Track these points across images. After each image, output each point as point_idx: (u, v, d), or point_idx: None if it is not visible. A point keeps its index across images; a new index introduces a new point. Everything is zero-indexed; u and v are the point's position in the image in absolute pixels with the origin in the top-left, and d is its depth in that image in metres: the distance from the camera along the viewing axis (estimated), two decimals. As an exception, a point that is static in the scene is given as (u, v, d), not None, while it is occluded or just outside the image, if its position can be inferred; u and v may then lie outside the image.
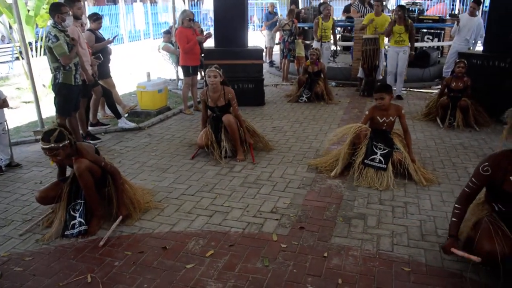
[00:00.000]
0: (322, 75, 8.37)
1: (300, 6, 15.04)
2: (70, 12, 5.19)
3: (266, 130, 6.34)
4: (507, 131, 2.78)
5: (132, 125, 6.47)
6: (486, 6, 13.73)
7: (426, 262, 3.10)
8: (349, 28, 13.03)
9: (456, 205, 2.99)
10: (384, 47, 9.23)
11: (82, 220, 3.51)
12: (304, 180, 4.57)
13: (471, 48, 9.13)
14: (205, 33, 9.35)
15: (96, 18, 6.75)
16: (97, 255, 3.21)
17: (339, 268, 3.04)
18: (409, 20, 8.39)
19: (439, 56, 11.68)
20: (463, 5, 18.70)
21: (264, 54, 11.26)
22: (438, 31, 11.80)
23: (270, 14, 13.52)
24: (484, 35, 7.94)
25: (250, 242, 3.36)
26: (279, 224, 3.63)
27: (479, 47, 9.18)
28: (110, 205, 3.72)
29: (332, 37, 9.75)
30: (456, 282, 2.89)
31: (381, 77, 8.96)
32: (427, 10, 17.40)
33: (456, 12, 18.53)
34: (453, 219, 2.96)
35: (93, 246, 3.33)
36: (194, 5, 26.28)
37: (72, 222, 3.50)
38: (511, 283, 2.80)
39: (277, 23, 11.59)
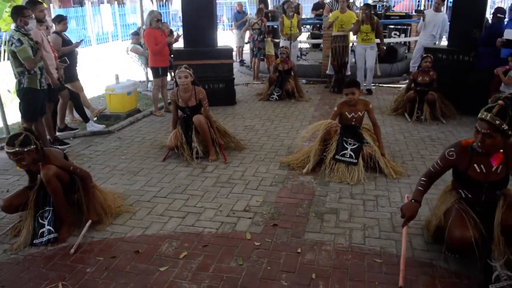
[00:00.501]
0: (292, 73, 8.43)
1: (270, 5, 15.06)
2: (33, 15, 5.07)
3: (238, 129, 6.35)
4: None
5: (101, 127, 6.37)
6: (450, 2, 14.07)
7: (397, 253, 3.16)
8: (318, 25, 13.14)
9: (422, 178, 3.12)
10: (352, 44, 9.36)
11: (51, 228, 3.44)
12: (276, 177, 4.59)
13: (436, 43, 9.34)
14: (174, 34, 9.30)
15: (60, 19, 6.63)
16: (68, 263, 3.15)
17: (313, 263, 3.07)
18: (375, 18, 8.53)
19: (406, 51, 11.91)
20: (428, 1, 19.12)
21: (234, 53, 11.27)
22: (405, 27, 12.02)
23: (239, 14, 13.53)
24: (448, 30, 8.14)
25: (223, 242, 3.37)
26: (252, 223, 3.65)
27: (445, 42, 9.40)
28: (80, 211, 3.66)
29: (298, 35, 9.83)
30: (427, 271, 2.97)
31: (349, 73, 9.08)
32: (394, 6, 17.73)
33: (422, 8, 18.94)
34: (419, 187, 3.08)
35: (63, 254, 3.26)
36: (163, 6, 26.04)
37: (40, 230, 3.42)
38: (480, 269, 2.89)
39: (247, 23, 11.60)
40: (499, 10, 7.35)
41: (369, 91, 8.78)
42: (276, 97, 8.30)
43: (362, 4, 13.17)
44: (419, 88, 6.70)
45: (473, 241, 2.80)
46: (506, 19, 7.14)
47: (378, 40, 8.62)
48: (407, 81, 9.37)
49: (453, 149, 2.93)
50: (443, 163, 2.99)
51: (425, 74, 6.69)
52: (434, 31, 9.15)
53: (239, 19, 13.18)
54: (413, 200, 3.01)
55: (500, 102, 2.64)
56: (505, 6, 14.44)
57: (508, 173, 2.89)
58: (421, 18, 9.45)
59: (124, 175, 4.75)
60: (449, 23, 8.09)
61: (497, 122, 2.61)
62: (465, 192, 3.04)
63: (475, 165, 2.87)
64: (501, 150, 2.80)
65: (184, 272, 3.00)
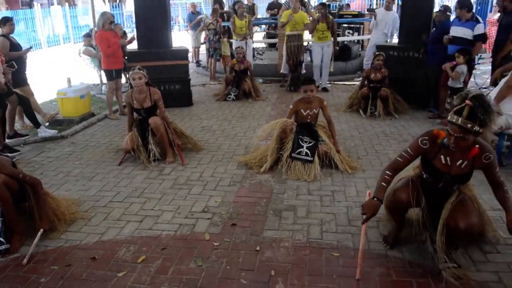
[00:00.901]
0: (248, 73, 8.47)
1: (225, 6, 15.02)
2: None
3: (195, 130, 6.32)
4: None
5: (52, 132, 6.18)
6: (400, 0, 14.49)
7: (353, 246, 3.25)
8: (273, 25, 13.24)
9: (386, 171, 2.99)
10: (307, 43, 9.48)
11: (2, 239, 3.31)
12: (234, 177, 4.61)
13: (388, 40, 9.62)
14: (128, 36, 9.13)
15: (6, 21, 6.37)
16: (21, 273, 3.05)
17: (272, 260, 3.11)
18: (331, 17, 8.71)
19: (360, 49, 12.19)
20: (380, -1, 19.66)
21: (190, 54, 11.19)
22: (358, 26, 12.31)
23: (193, 15, 13.43)
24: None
25: (182, 244, 3.35)
26: (211, 223, 3.65)
27: (397, 40, 9.69)
28: (31, 220, 3.54)
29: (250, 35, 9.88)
30: (382, 262, 3.07)
31: (304, 72, 9.20)
32: (348, 5, 18.07)
33: (374, 7, 19.45)
34: (382, 183, 2.94)
35: (15, 265, 3.15)
36: (116, 7, 25.54)
37: (-9, 242, 3.30)
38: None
39: (202, 23, 11.56)
40: (446, 9, 7.65)
41: (325, 89, 8.96)
42: (233, 97, 8.31)
43: (317, 3, 13.36)
44: (372, 85, 6.89)
45: (406, 206, 3.01)
46: (453, 17, 7.44)
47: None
48: (360, 78, 9.63)
49: (426, 137, 2.92)
50: (414, 151, 2.95)
51: (377, 71, 6.88)
52: (386, 29, 9.43)
53: (193, 19, 13.11)
54: (375, 198, 2.90)
55: (468, 102, 2.58)
56: (452, 4, 15.04)
57: (472, 170, 2.92)
58: (373, 17, 9.70)
59: (79, 181, 4.64)
60: (399, 21, 8.34)
61: (469, 125, 2.58)
62: (426, 175, 3.09)
63: (441, 156, 2.91)
64: (477, 146, 2.77)
65: (142, 276, 2.97)
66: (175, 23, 25.60)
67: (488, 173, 2.91)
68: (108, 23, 6.91)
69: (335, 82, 9.77)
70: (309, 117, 4.87)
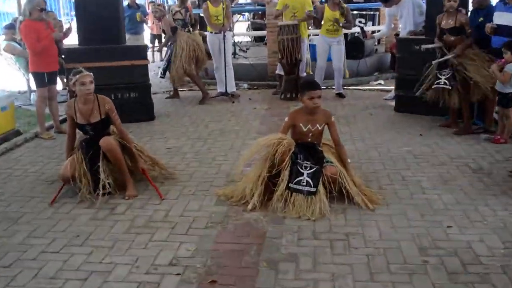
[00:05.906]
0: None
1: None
2: None
3: (158, 153, 6.27)
4: None
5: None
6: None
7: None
8: (260, 13, 13.33)
9: None
10: (309, 35, 9.58)
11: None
12: (212, 216, 4.57)
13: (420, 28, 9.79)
14: (65, 26, 9.11)
15: None
16: None
17: (267, 331, 3.06)
18: (345, 5, 8.82)
19: (376, 43, 12.28)
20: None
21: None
22: (372, 13, 12.46)
23: (130, 9, 13.23)
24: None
25: (143, 310, 3.28)
26: (182, 280, 3.58)
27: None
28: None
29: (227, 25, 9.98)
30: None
31: (305, 74, 9.26)
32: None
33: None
34: None
35: None
36: (50, -10, 25.60)
37: None
38: None
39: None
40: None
41: (340, 95, 9.16)
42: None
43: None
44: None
45: None
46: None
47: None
48: (379, 81, 9.76)
49: None
50: None
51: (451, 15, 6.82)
52: (401, 22, 9.65)
53: (133, 17, 13.04)
54: None
55: None
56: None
57: None
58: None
59: (-1, 224, 4.55)
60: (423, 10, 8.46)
61: None
62: None
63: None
64: None
65: None
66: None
67: None
68: (37, 10, 6.87)
69: (345, 87, 9.84)
70: (311, 134, 4.85)
